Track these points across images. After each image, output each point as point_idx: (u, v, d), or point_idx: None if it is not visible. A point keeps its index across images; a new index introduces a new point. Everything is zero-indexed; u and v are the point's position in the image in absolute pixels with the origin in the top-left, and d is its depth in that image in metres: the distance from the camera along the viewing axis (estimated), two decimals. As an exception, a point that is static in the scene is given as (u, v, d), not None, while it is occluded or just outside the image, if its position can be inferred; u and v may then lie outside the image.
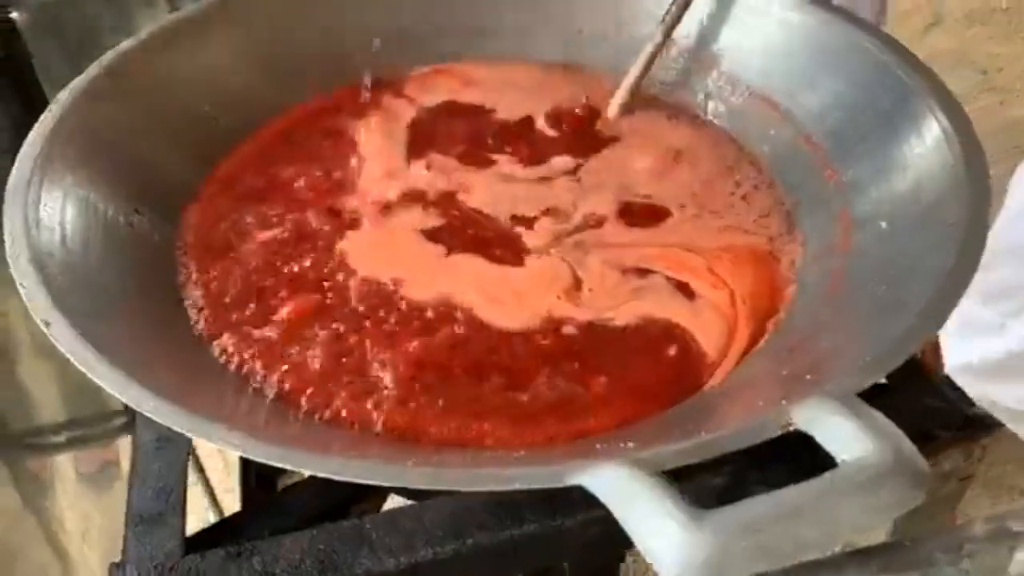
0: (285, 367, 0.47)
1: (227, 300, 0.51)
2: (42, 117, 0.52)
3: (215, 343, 0.48)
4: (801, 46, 0.64)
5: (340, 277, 0.53)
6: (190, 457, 0.47)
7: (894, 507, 0.30)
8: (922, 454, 0.31)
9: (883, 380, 0.38)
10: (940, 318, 0.40)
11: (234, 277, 0.52)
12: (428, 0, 0.71)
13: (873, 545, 0.39)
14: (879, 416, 0.33)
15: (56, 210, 0.47)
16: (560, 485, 0.32)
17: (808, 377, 0.41)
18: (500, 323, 0.50)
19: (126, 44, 0.58)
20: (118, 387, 0.38)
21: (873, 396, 0.34)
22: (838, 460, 0.32)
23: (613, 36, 0.72)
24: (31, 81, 0.76)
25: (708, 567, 0.28)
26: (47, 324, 0.40)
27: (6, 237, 0.44)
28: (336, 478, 0.35)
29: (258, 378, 0.47)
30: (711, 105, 0.68)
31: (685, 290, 0.53)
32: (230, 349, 0.48)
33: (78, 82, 0.54)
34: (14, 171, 0.48)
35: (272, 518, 0.46)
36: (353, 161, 0.63)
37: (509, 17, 0.72)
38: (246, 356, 0.47)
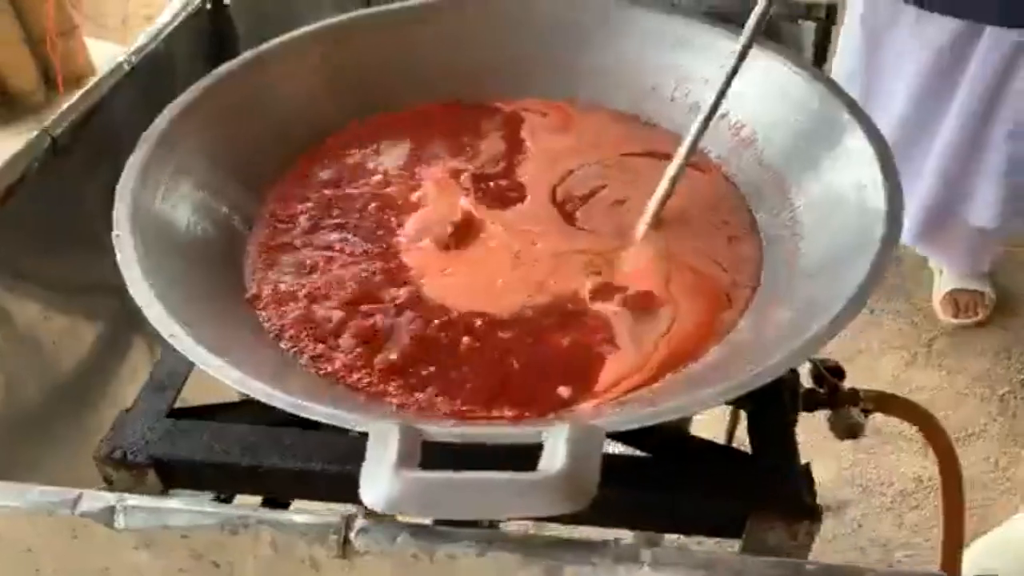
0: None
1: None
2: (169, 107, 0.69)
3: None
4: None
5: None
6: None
7: (546, 510, 0.39)
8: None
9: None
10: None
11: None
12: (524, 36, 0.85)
13: None
14: (589, 447, 0.42)
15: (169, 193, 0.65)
16: (352, 428, 0.46)
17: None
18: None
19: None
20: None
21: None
22: (537, 468, 0.42)
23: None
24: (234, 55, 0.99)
25: (389, 504, 0.40)
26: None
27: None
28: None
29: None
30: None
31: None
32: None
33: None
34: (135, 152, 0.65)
35: (238, 416, 0.62)
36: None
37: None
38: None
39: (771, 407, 0.61)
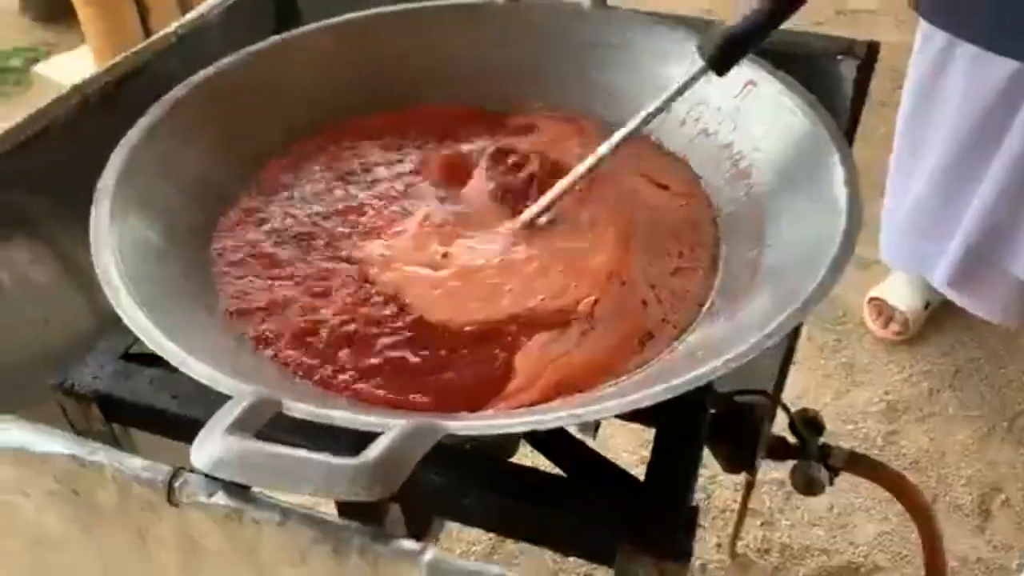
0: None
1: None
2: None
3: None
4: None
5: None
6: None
7: (346, 495, 0.41)
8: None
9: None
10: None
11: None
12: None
13: None
14: (413, 443, 0.44)
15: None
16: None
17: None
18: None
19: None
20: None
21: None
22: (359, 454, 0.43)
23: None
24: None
25: (209, 465, 0.43)
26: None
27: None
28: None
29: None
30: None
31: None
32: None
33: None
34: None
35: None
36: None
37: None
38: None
39: (675, 436, 0.60)
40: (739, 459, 0.72)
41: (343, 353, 0.62)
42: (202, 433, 0.45)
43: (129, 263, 0.60)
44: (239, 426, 0.45)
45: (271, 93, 0.80)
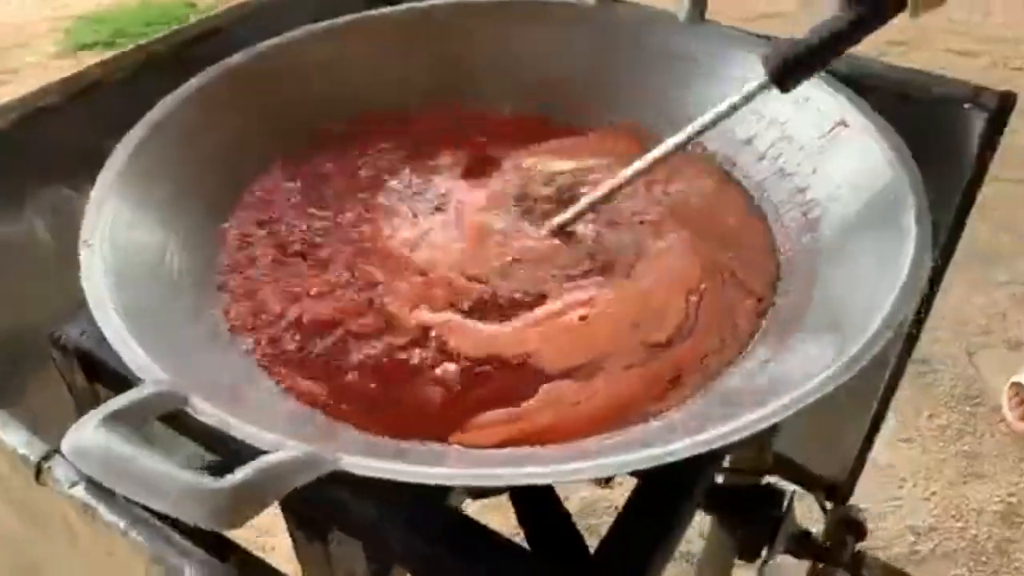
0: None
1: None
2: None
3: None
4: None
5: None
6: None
7: (187, 517, 0.37)
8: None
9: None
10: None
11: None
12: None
13: None
14: (281, 473, 0.39)
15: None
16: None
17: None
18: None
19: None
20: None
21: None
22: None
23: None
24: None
25: (72, 453, 0.40)
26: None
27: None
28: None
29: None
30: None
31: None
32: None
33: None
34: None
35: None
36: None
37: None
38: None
39: (658, 498, 0.52)
40: (748, 545, 0.63)
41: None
42: (85, 417, 0.42)
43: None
44: (121, 418, 0.42)
45: (313, 78, 0.77)
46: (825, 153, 0.68)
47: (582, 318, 0.60)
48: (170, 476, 0.39)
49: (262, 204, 0.70)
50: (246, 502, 0.38)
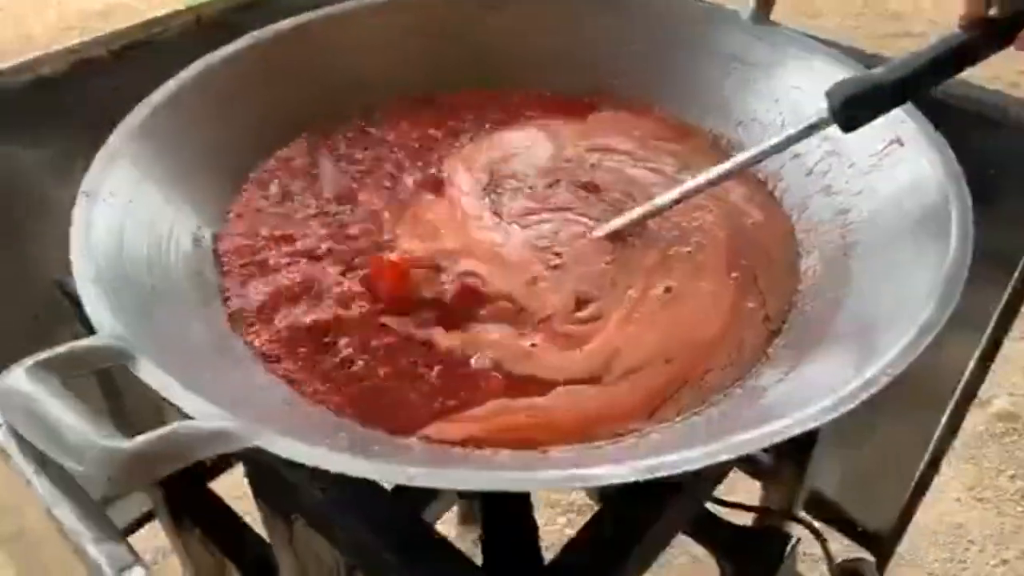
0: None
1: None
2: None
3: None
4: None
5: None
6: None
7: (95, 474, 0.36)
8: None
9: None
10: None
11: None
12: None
13: None
14: (190, 444, 0.38)
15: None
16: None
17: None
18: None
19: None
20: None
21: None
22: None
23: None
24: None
25: None
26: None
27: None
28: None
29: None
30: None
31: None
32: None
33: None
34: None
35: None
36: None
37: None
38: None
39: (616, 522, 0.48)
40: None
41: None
42: (18, 362, 0.41)
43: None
44: (52, 366, 0.41)
45: (354, 53, 0.76)
46: (875, 174, 0.61)
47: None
48: (76, 430, 0.37)
49: (277, 176, 0.69)
50: (143, 464, 0.36)
